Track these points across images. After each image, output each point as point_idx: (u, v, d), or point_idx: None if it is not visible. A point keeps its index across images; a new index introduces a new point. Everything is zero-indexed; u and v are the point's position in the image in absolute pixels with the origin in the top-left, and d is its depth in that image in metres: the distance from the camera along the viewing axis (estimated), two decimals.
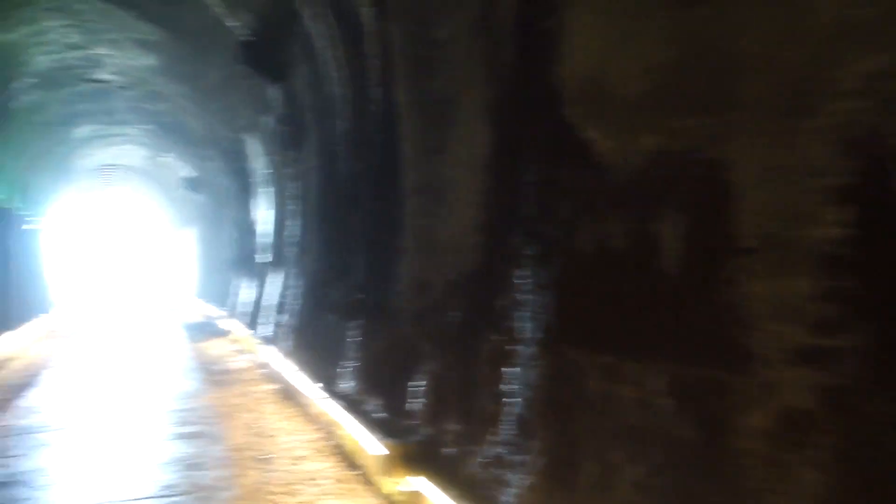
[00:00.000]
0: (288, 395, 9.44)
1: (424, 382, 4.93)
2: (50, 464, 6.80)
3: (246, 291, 15.79)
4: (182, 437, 7.56)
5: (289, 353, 10.19)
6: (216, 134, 17.89)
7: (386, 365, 5.97)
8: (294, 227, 11.14)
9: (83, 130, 21.82)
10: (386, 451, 5.11)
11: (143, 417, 8.60)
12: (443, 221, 5.27)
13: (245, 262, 16.42)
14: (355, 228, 7.60)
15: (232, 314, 17.48)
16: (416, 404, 5.02)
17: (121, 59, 15.13)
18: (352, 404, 6.61)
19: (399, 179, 6.35)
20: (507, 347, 3.75)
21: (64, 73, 15.83)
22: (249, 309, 15.15)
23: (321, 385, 7.73)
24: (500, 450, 3.64)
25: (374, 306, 6.72)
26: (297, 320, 10.18)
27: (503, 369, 3.73)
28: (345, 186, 8.14)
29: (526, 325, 3.63)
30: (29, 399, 10.19)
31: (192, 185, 25.18)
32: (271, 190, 13.59)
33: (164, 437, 7.59)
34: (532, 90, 3.86)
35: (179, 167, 26.00)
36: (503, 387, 3.76)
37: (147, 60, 15.11)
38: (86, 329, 22.04)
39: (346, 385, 6.92)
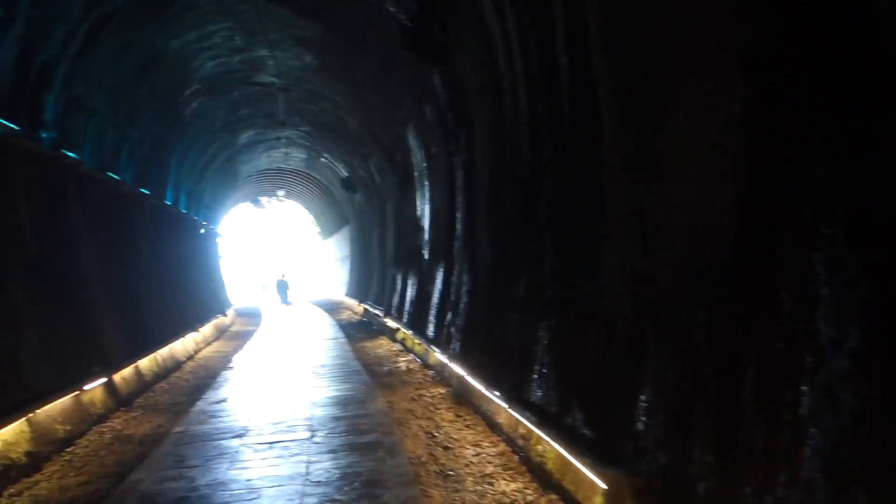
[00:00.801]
0: (462, 399, 8.81)
1: (655, 397, 4.04)
2: (227, 477, 6.49)
3: (406, 289, 15.44)
4: (358, 448, 7.07)
5: (457, 355, 9.57)
6: (373, 130, 17.72)
7: (591, 372, 5.13)
8: (460, 221, 10.53)
9: (245, 136, 22.46)
10: (603, 483, 4.26)
11: (316, 425, 8.21)
12: (663, 200, 4.35)
13: (405, 259, 16.08)
14: (538, 217, 6.81)
15: (390, 313, 17.24)
16: (642, 424, 4.14)
17: (280, 59, 15.18)
18: (544, 416, 5.81)
19: (595, 157, 5.49)
20: (800, 357, 2.81)
21: (227, 78, 16.14)
22: (410, 308, 14.77)
23: (501, 392, 7.00)
24: (799, 497, 2.71)
25: (567, 303, 5.90)
26: (465, 320, 9.54)
27: (798, 386, 2.80)
28: (522, 172, 7.38)
29: (834, 328, 2.69)
30: (206, 401, 10.18)
31: (349, 184, 25.40)
32: (434, 183, 13.09)
33: (340, 448, 7.13)
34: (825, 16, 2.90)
35: (335, 168, 26.35)
36: (794, 410, 2.83)
37: (305, 59, 15.08)
38: (253, 329, 22.67)
39: (536, 393, 6.14)
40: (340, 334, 18.79)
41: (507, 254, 7.80)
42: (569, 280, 5.96)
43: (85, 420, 8.69)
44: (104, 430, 8.75)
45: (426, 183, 13.72)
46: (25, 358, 7.79)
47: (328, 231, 41.82)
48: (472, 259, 9.63)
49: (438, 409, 8.64)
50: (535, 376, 6.17)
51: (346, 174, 25.65)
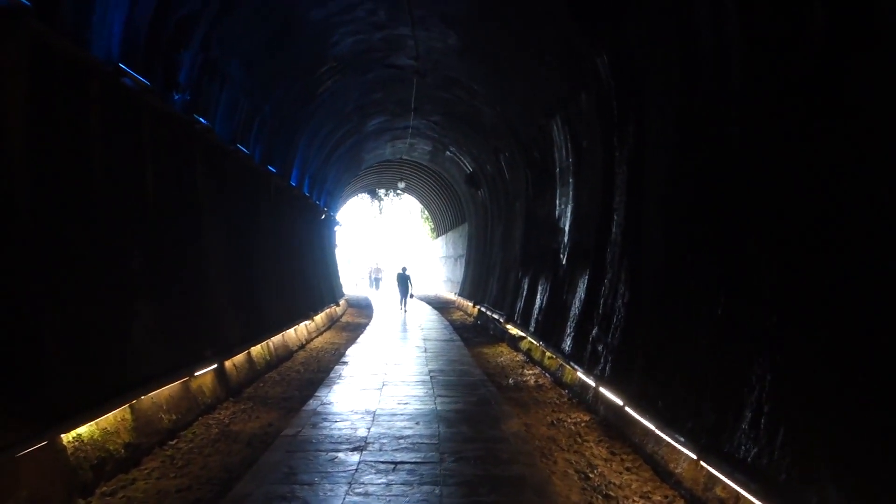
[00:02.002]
0: (614, 432, 7.46)
1: None
2: (340, 499, 5.44)
3: (535, 295, 14.17)
4: (499, 483, 5.86)
5: (606, 378, 8.23)
6: (511, 122, 16.53)
7: (852, 433, 3.72)
8: (617, 224, 9.17)
9: (373, 122, 21.78)
10: None
11: (445, 445, 7.07)
12: None
13: (535, 262, 14.82)
14: (749, 219, 5.41)
15: (512, 319, 16.00)
16: None
17: (422, 39, 14.22)
18: (762, 482, 4.41)
19: (856, 143, 4.09)
20: None
21: (364, 58, 15.35)
22: (539, 315, 13.48)
23: (684, 436, 5.62)
24: None
25: (808, 328, 4.48)
26: (621, 337, 8.18)
27: None
28: (725, 171, 5.98)
29: None
30: (319, 400, 9.27)
31: (473, 180, 24.36)
32: (581, 180, 11.76)
33: (477, 480, 5.95)
34: None
35: (460, 162, 25.38)
36: None
37: (448, 40, 14.05)
38: (365, 322, 21.99)
39: (746, 448, 4.73)
40: (455, 336, 17.73)
41: (693, 265, 6.40)
42: (815, 300, 4.53)
43: (192, 409, 7.91)
44: (211, 422, 7.95)
45: (570, 181, 12.40)
46: (137, 337, 7.03)
47: (442, 228, 41.04)
48: (634, 268, 8.26)
49: (586, 440, 7.32)
50: (746, 425, 4.77)
51: (471, 169, 24.63)
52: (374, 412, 8.45)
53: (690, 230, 6.65)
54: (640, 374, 7.17)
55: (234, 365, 9.89)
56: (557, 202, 13.39)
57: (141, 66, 7.59)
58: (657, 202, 7.77)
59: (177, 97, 8.75)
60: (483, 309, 21.27)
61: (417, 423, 7.86)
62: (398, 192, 43.99)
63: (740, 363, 5.06)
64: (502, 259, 20.38)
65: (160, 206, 8.09)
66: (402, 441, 7.08)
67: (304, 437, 7.20)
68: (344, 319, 23.07)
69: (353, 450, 6.75)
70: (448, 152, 25.51)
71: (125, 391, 6.43)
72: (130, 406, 6.50)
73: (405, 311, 26.55)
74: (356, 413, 8.40)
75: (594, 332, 9.33)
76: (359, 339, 16.74)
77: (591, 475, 6.19)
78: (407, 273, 27.43)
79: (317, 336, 17.14)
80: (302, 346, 14.91)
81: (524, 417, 8.42)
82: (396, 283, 27.39)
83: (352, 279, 51.54)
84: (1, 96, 5.17)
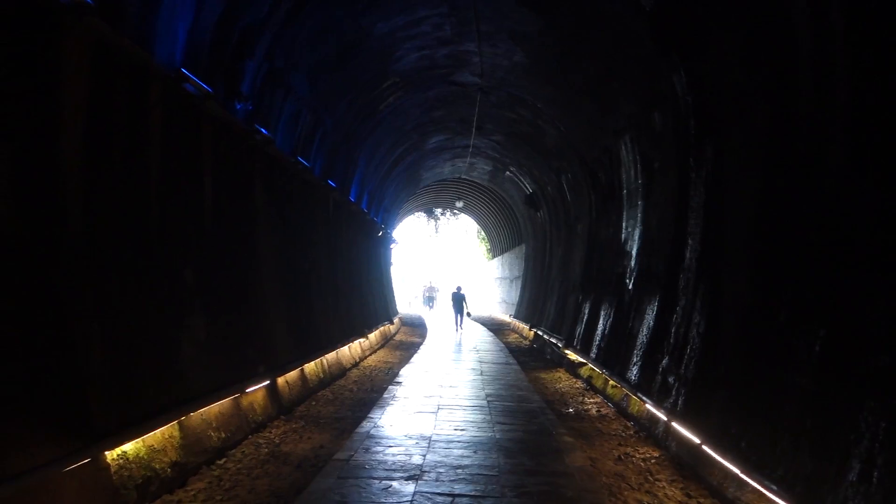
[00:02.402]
0: (688, 471, 6.90)
1: None
2: None
3: (597, 321, 13.62)
4: None
5: (679, 412, 7.67)
6: (574, 142, 16.08)
7: None
8: (692, 249, 8.64)
9: (434, 140, 21.59)
10: None
11: (506, 478, 6.63)
12: None
13: (598, 286, 14.28)
14: (854, 246, 4.88)
15: (572, 344, 15.44)
16: None
17: (487, 56, 13.94)
18: None
19: None
20: None
21: (428, 74, 15.14)
22: (601, 342, 12.93)
23: (776, 484, 5.06)
24: None
25: None
26: (696, 369, 7.62)
27: None
28: (825, 188, 5.46)
29: None
30: (372, 422, 8.92)
31: (533, 201, 23.91)
32: (651, 203, 11.23)
33: None
34: None
35: (520, 182, 24.98)
36: None
37: (514, 58, 13.74)
38: (419, 342, 21.66)
39: (863, 503, 4.17)
40: (511, 360, 17.23)
41: (785, 296, 5.86)
42: None
43: (242, 428, 7.64)
44: (261, 441, 7.66)
45: (639, 203, 11.87)
46: (187, 351, 6.81)
47: (499, 249, 40.58)
48: (711, 296, 7.71)
49: (657, 479, 6.78)
50: (854, 477, 4.22)
51: (531, 190, 24.20)
52: (430, 438, 8.05)
53: (781, 257, 6.12)
54: (720, 410, 6.61)
55: (286, 382, 9.63)
56: (624, 225, 12.87)
57: (204, 73, 7.44)
58: (740, 227, 7.24)
59: (238, 106, 8.60)
60: (540, 332, 20.72)
61: (475, 452, 7.43)
62: (455, 211, 43.82)
63: (845, 406, 4.51)
64: (561, 282, 19.85)
65: (216, 216, 7.91)
66: (459, 471, 6.65)
67: (356, 463, 6.85)
68: (398, 338, 22.79)
69: (408, 479, 6.36)
70: (508, 172, 25.15)
71: (174, 408, 6.19)
72: (179, 423, 6.25)
73: (460, 330, 26.21)
74: (411, 438, 8.02)
75: (664, 362, 8.77)
76: (413, 359, 16.39)
77: None
78: (462, 292, 27.09)
79: (370, 354, 16.87)
80: (356, 364, 14.64)
81: (588, 450, 7.91)
82: (451, 302, 27.10)
83: (406, 298, 51.42)
84: (60, 97, 5.01)
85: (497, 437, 8.26)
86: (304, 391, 10.29)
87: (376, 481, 6.26)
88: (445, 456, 7.21)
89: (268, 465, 6.82)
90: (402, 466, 6.76)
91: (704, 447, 6.47)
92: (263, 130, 9.20)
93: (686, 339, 8.14)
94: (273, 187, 10.11)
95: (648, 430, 8.68)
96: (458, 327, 26.47)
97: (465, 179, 30.22)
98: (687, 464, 7.04)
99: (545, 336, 19.41)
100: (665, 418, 7.90)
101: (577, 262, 17.61)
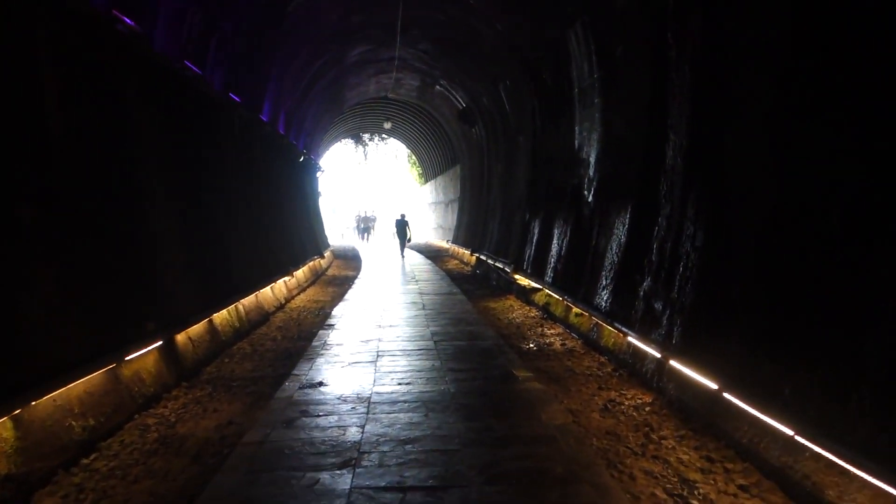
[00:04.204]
0: (698, 422, 5.48)
1: None
2: None
3: (551, 240, 12.12)
4: None
5: (674, 344, 6.25)
6: (515, 41, 14.23)
7: None
8: (675, 146, 7.07)
9: (356, 52, 19.38)
10: None
11: (470, 453, 5.07)
12: None
13: (548, 201, 12.73)
14: None
15: (521, 268, 13.99)
16: None
17: None
18: None
19: None
20: None
21: None
22: (557, 263, 11.46)
23: (850, 448, 3.63)
24: None
25: None
26: (694, 291, 6.15)
27: None
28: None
29: None
30: (297, 381, 7.24)
31: (468, 115, 22.06)
32: (613, 99, 9.59)
33: None
34: None
35: (452, 96, 23.03)
36: None
37: None
38: (353, 275, 19.94)
39: None
40: (455, 289, 15.72)
41: (844, 193, 4.33)
42: None
43: (123, 407, 5.86)
44: (150, 422, 5.91)
45: (596, 101, 10.23)
46: (30, 315, 4.94)
47: (431, 172, 38.75)
48: (710, 198, 6.18)
49: (663, 437, 5.35)
50: None
51: (464, 104, 22.32)
52: (369, 399, 6.44)
53: (831, 127, 4.55)
54: (744, 345, 5.14)
55: (188, 339, 7.83)
56: (577, 130, 11.24)
57: None
58: (755, 108, 5.66)
59: None
60: (482, 257, 19.25)
61: (427, 416, 5.86)
62: (384, 136, 41.56)
63: None
64: (503, 202, 18.29)
65: (68, 137, 5.91)
66: (409, 448, 5.07)
67: (273, 446, 5.18)
68: (330, 273, 21.02)
69: (341, 466, 4.74)
70: (438, 86, 23.14)
71: (9, 398, 4.37)
72: (13, 418, 4.44)
73: (403, 256, 26.47)
74: (345, 401, 6.39)
75: (646, 284, 7.30)
76: (347, 295, 14.71)
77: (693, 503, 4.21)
78: (405, 219, 27.27)
79: (298, 293, 15.09)
80: (280, 307, 12.87)
81: (565, 399, 6.44)
82: (395, 229, 27.65)
83: (338, 229, 49.38)
84: None
85: (451, 389, 6.70)
86: (213, 347, 8.52)
87: (298, 474, 4.62)
88: (390, 425, 5.61)
89: (155, 457, 5.10)
90: (333, 447, 5.13)
91: (726, 394, 5.01)
92: (128, 20, 7.07)
93: (676, 254, 6.64)
94: (155, 98, 8.06)
95: (631, 367, 7.27)
96: (402, 253, 26.95)
97: (391, 99, 28.04)
98: (695, 412, 5.62)
99: (489, 261, 17.94)
100: (657, 354, 6.46)
101: (521, 177, 16.01)
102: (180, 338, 7.56)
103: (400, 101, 28.94)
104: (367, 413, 5.96)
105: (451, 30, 16.63)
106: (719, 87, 6.20)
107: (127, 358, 6.11)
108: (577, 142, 11.17)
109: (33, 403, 4.65)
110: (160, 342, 6.88)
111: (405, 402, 6.31)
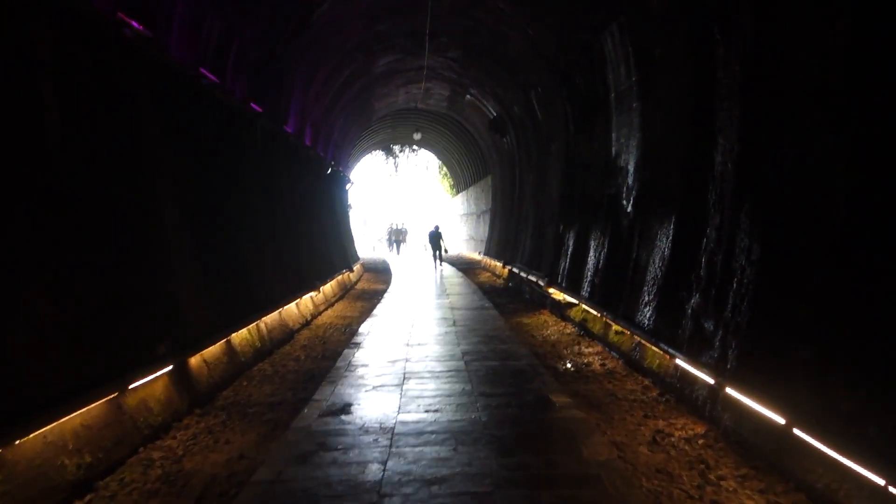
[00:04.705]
0: (761, 459, 4.86)
1: None
2: None
3: (587, 252, 11.52)
4: None
5: (726, 369, 5.63)
6: (544, 47, 13.70)
7: None
8: (724, 149, 6.47)
9: (383, 62, 18.99)
10: None
11: (504, 500, 4.51)
12: None
13: (584, 212, 12.14)
14: None
15: (556, 281, 13.39)
16: None
17: None
18: None
19: None
20: None
21: None
22: (594, 277, 10.86)
23: None
24: None
25: None
26: (751, 310, 5.53)
27: None
28: None
29: None
30: (318, 408, 6.74)
31: (498, 125, 21.52)
32: (651, 102, 9.01)
33: None
34: None
35: (483, 106, 22.54)
36: None
37: None
38: (382, 288, 19.47)
39: None
40: (487, 303, 15.17)
41: None
42: None
43: (126, 440, 5.40)
44: (155, 456, 5.44)
45: (634, 105, 9.64)
46: (20, 342, 4.52)
47: (463, 183, 38.26)
48: (767, 208, 5.57)
49: (720, 475, 4.74)
50: None
51: (494, 114, 21.79)
52: (393, 428, 5.92)
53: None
54: (816, 374, 4.52)
55: (203, 361, 7.39)
56: (614, 136, 10.65)
57: None
58: (826, 107, 5.05)
59: None
60: (515, 269, 18.66)
61: (456, 450, 5.31)
62: (414, 147, 41.20)
63: None
64: (536, 212, 17.70)
65: (69, 142, 5.51)
66: (435, 489, 4.53)
67: (284, 487, 4.67)
68: (359, 287, 20.59)
69: None
70: (468, 95, 22.66)
71: None
72: None
73: (440, 267, 26.31)
74: (367, 431, 5.87)
75: (694, 301, 6.69)
76: (375, 311, 14.23)
77: None
78: (439, 230, 27.33)
79: (326, 309, 14.65)
80: (306, 324, 12.43)
81: (609, 430, 5.85)
82: (429, 240, 27.57)
83: (369, 242, 49.12)
84: None
85: (483, 418, 6.15)
86: (231, 369, 8.07)
87: None
88: (415, 461, 5.08)
89: (154, 499, 4.63)
90: (351, 487, 4.61)
91: (796, 430, 4.39)
92: (136, 24, 6.68)
93: (729, 269, 6.03)
94: (169, 106, 7.67)
95: (679, 393, 6.65)
96: (438, 264, 26.93)
97: (421, 109, 27.63)
98: (756, 447, 4.99)
99: (522, 273, 17.35)
100: (709, 380, 5.84)
101: (553, 187, 15.42)
102: (194, 361, 7.12)
103: (430, 112, 28.53)
104: (391, 446, 5.44)
105: (481, 36, 16.15)
106: (776, 85, 5.60)
107: (132, 385, 5.67)
108: (613, 149, 10.58)
109: (16, 443, 4.20)
110: (171, 366, 6.43)
111: (432, 432, 5.77)
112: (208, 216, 8.68)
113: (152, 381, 6.09)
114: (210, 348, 7.61)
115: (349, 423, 6.14)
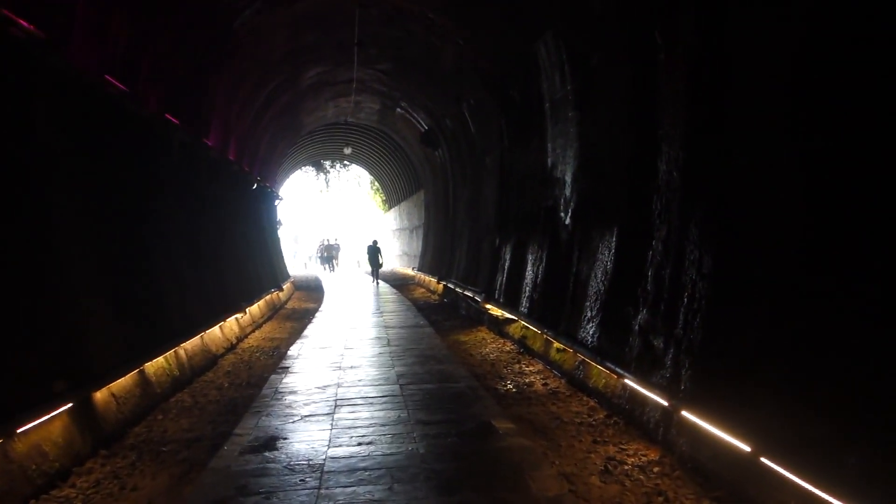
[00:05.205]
0: (722, 489, 4.51)
1: None
2: None
3: (525, 267, 11.18)
4: None
5: (680, 391, 5.30)
6: (478, 57, 13.39)
7: None
8: (667, 158, 6.19)
9: (311, 74, 18.41)
10: None
11: None
12: None
13: (520, 225, 11.82)
14: None
15: (493, 297, 13.03)
16: None
17: None
18: None
19: None
20: None
21: None
22: (532, 292, 10.52)
23: None
24: None
25: None
26: (704, 328, 5.21)
27: None
28: None
29: None
30: (239, 444, 6.11)
31: (430, 138, 21.15)
32: (589, 110, 8.73)
33: None
34: None
35: (413, 119, 22.16)
36: None
37: None
38: (314, 307, 18.78)
39: None
40: (423, 320, 14.69)
41: None
42: None
43: (12, 492, 4.70)
44: None
45: (570, 114, 9.37)
46: None
47: (395, 199, 37.77)
48: (717, 218, 5.28)
49: None
50: None
51: (426, 127, 21.43)
52: (323, 465, 5.36)
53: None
54: (785, 395, 4.19)
55: (112, 395, 6.67)
56: (550, 147, 10.36)
57: None
58: (779, 107, 4.78)
59: None
60: (450, 285, 18.27)
61: (391, 490, 4.80)
62: (345, 163, 40.49)
63: None
64: (471, 227, 17.36)
65: None
66: None
67: None
68: (289, 305, 19.84)
69: None
70: (399, 108, 22.25)
71: None
72: None
73: (376, 283, 26.41)
74: (293, 470, 5.31)
75: (641, 317, 6.36)
76: (306, 331, 13.59)
77: None
78: (377, 246, 27.55)
79: (253, 331, 13.91)
80: (232, 348, 11.70)
81: (557, 459, 5.43)
82: (367, 255, 27.79)
83: (301, 259, 48.04)
84: None
85: (420, 450, 5.66)
86: (145, 402, 7.36)
87: None
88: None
89: None
90: None
91: (765, 459, 4.04)
92: (25, 24, 5.99)
93: (678, 283, 5.72)
94: (69, 113, 6.97)
95: (629, 415, 6.29)
96: (375, 279, 27.12)
97: (351, 123, 27.06)
98: (717, 475, 4.64)
99: (457, 289, 16.97)
100: (662, 402, 5.49)
101: (489, 201, 15.10)
102: (100, 395, 6.41)
103: (360, 126, 28.00)
104: (320, 487, 4.89)
105: (411, 48, 15.77)
106: (722, 87, 5.33)
107: (22, 429, 4.97)
108: (550, 160, 10.29)
109: None
110: (70, 404, 5.73)
111: (366, 468, 5.25)
112: (119, 235, 7.96)
113: (48, 422, 5.39)
114: (120, 380, 6.90)
115: (273, 460, 5.56)
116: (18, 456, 4.92)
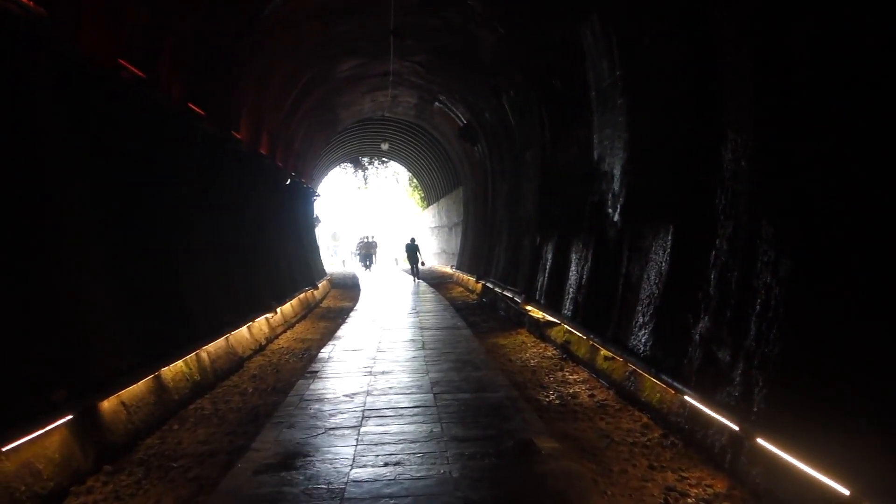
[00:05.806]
0: None
1: None
2: None
3: (568, 267, 10.48)
4: None
5: (752, 412, 4.58)
6: (518, 46, 12.72)
7: None
8: (736, 144, 5.46)
9: (345, 67, 17.90)
10: None
11: None
12: None
13: (563, 221, 11.11)
14: None
15: (534, 298, 12.34)
16: None
17: None
18: None
19: None
20: None
21: None
22: (577, 295, 9.82)
23: None
24: None
25: None
26: (782, 341, 4.49)
27: None
28: None
29: None
30: (256, 460, 5.55)
31: (469, 133, 20.49)
32: (639, 97, 8.01)
33: None
34: None
35: (452, 113, 21.53)
36: None
37: None
38: (349, 306, 18.29)
39: None
40: (460, 321, 14.07)
41: None
42: None
43: None
44: None
45: (619, 102, 8.65)
46: None
47: (433, 196, 37.23)
48: (797, 214, 4.55)
49: None
50: None
51: (464, 121, 20.79)
52: (343, 492, 4.77)
53: None
54: (893, 432, 3.46)
55: (122, 404, 6.18)
56: (596, 138, 9.64)
57: None
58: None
59: None
60: (489, 284, 17.59)
61: None
62: (383, 159, 40.04)
63: None
64: (510, 224, 16.67)
65: None
66: None
67: None
68: (324, 304, 19.40)
69: None
70: (437, 103, 21.64)
71: None
72: None
73: (417, 280, 26.39)
74: (310, 495, 4.72)
75: (702, 325, 5.65)
76: (339, 332, 13.06)
77: None
78: (416, 243, 27.46)
79: (285, 331, 13.44)
80: (260, 349, 11.22)
81: (609, 489, 4.75)
82: (405, 253, 27.91)
83: (339, 256, 47.75)
84: None
85: (454, 474, 5.03)
86: (159, 410, 6.86)
87: None
88: None
89: None
90: None
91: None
92: (25, 1, 5.51)
93: (748, 287, 4.99)
94: (79, 100, 6.49)
95: (688, 435, 5.58)
96: (415, 277, 26.96)
97: (388, 118, 26.58)
98: None
99: (496, 289, 16.29)
100: (730, 425, 4.77)
101: (529, 197, 14.41)
102: (107, 405, 5.92)
103: (397, 121, 27.51)
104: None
105: (448, 36, 15.11)
106: (798, 63, 4.59)
107: (10, 446, 4.47)
108: (595, 152, 9.58)
109: None
110: (70, 416, 5.23)
111: (391, 496, 4.64)
112: (133, 230, 7.48)
113: (43, 437, 4.89)
114: (131, 387, 6.40)
115: (290, 482, 4.98)
116: (7, 476, 4.42)
